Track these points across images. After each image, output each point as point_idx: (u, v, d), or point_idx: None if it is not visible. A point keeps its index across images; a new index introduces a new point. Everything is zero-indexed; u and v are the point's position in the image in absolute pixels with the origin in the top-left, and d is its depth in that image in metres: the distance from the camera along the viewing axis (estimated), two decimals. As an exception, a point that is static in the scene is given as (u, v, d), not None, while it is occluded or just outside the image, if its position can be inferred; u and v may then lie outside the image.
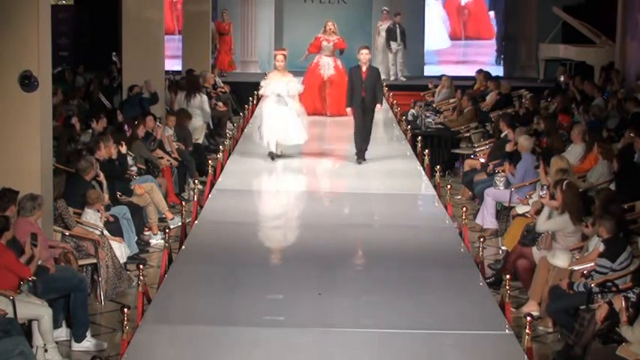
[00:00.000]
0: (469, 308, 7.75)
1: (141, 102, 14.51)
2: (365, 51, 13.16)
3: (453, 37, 24.35)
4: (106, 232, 9.08)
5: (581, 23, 21.51)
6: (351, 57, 18.05)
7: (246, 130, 15.76)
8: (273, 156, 13.29)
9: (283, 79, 13.29)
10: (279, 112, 13.19)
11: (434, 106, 17.79)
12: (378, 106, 13.30)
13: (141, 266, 7.62)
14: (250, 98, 17.81)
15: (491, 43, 24.33)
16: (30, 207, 7.87)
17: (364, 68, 13.10)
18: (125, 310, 6.66)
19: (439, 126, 15.66)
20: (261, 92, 13.83)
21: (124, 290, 8.81)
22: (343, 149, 14.13)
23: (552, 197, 8.99)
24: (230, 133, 15.18)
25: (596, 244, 8.04)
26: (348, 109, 13.30)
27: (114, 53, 20.20)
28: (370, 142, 13.57)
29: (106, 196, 9.79)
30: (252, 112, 17.15)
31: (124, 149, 10.97)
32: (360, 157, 13.33)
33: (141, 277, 7.44)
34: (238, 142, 14.74)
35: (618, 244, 7.69)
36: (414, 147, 14.33)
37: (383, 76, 20.74)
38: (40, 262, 7.55)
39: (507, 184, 11.04)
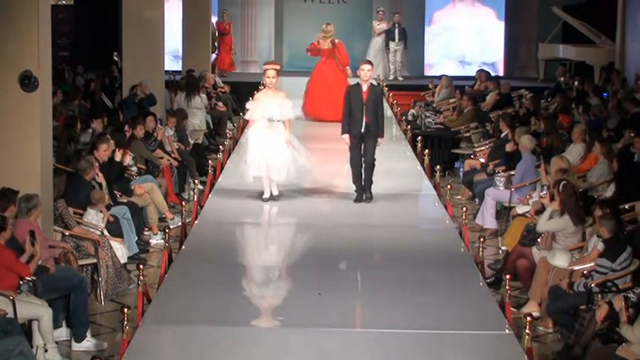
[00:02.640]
0: (469, 308, 7.75)
1: (140, 102, 14.51)
2: (366, 67, 10.97)
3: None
4: (105, 232, 9.08)
5: (581, 23, 21.52)
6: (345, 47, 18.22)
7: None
8: (266, 200, 11.08)
9: (275, 100, 10.87)
10: (270, 141, 10.82)
11: (434, 106, 17.79)
12: (380, 140, 11.00)
13: (141, 266, 7.63)
14: (250, 98, 17.79)
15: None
16: (25, 209, 7.87)
17: (365, 87, 10.87)
18: (125, 310, 6.67)
19: (439, 126, 15.67)
20: (247, 116, 11.23)
21: (124, 290, 8.82)
22: (343, 149, 14.11)
23: (553, 197, 9.00)
24: (230, 133, 15.16)
25: (596, 244, 8.05)
26: (345, 137, 11.00)
27: (115, 53, 20.20)
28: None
29: (106, 197, 9.79)
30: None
31: (118, 157, 10.77)
32: (359, 197, 11.06)
33: (141, 277, 7.45)
34: (238, 142, 14.72)
35: (618, 244, 7.69)
36: (414, 147, 14.33)
37: (381, 77, 20.80)
38: (40, 262, 7.56)
39: (507, 184, 11.04)
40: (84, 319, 7.62)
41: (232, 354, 6.82)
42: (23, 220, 7.83)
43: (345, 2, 24.50)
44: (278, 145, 10.83)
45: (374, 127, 10.88)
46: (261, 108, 10.88)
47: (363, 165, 10.98)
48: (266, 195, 11.04)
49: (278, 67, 11.27)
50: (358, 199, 11.06)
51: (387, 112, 17.50)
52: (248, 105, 11.21)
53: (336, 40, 17.42)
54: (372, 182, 11.06)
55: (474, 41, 23.83)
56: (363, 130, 10.83)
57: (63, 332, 7.71)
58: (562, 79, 19.18)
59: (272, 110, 10.83)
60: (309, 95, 17.54)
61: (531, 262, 8.66)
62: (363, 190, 11.08)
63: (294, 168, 10.99)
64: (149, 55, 14.72)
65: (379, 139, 10.97)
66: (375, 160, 10.98)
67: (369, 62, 11.36)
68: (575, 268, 7.96)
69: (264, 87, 11.17)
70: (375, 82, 12.00)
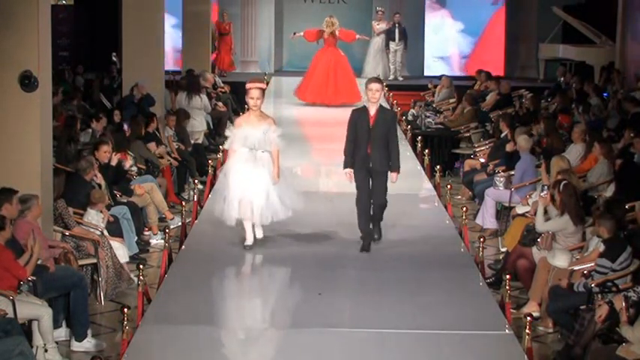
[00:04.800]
0: (469, 308, 7.75)
1: (140, 102, 14.50)
2: (375, 86, 9.00)
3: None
4: (105, 233, 9.09)
5: (581, 23, 21.52)
6: (345, 47, 18.41)
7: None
8: (249, 247, 9.24)
9: (259, 126, 8.98)
10: (255, 175, 9.04)
11: (434, 106, 17.80)
12: (394, 175, 9.13)
13: (141, 266, 7.63)
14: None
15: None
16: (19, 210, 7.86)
17: (373, 111, 9.03)
18: (125, 310, 6.67)
19: (439, 126, 15.68)
20: (226, 145, 9.34)
21: (123, 290, 8.82)
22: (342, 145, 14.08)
23: (553, 197, 9.00)
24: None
25: (596, 244, 8.05)
26: (347, 171, 9.19)
27: (114, 53, 20.20)
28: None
29: (106, 197, 9.79)
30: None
31: (114, 161, 10.58)
32: (366, 245, 9.19)
33: (141, 277, 7.45)
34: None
35: (618, 245, 7.69)
36: (414, 147, 14.32)
37: (381, 77, 20.78)
38: (39, 262, 7.55)
39: (507, 184, 11.05)
40: (84, 319, 7.63)
41: (232, 354, 6.82)
42: (23, 220, 7.83)
43: (345, 2, 24.48)
44: (262, 181, 9.04)
45: (378, 161, 9.05)
46: (243, 135, 9.03)
47: (372, 206, 9.21)
48: (248, 242, 9.22)
49: (263, 86, 9.30)
50: (365, 248, 9.17)
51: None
52: (227, 132, 9.36)
53: (336, 31, 18.70)
54: (382, 219, 9.39)
55: (432, 37, 23.75)
56: (365, 162, 9.08)
57: (63, 332, 7.71)
58: (562, 79, 19.17)
59: (255, 138, 8.98)
60: (306, 79, 18.36)
61: (531, 262, 8.67)
62: (371, 235, 9.29)
63: (282, 210, 9.24)
64: (149, 55, 14.71)
65: (393, 175, 9.14)
66: (386, 201, 9.19)
67: (378, 80, 9.33)
68: (575, 268, 7.97)
69: (247, 109, 9.23)
70: (386, 105, 9.97)
